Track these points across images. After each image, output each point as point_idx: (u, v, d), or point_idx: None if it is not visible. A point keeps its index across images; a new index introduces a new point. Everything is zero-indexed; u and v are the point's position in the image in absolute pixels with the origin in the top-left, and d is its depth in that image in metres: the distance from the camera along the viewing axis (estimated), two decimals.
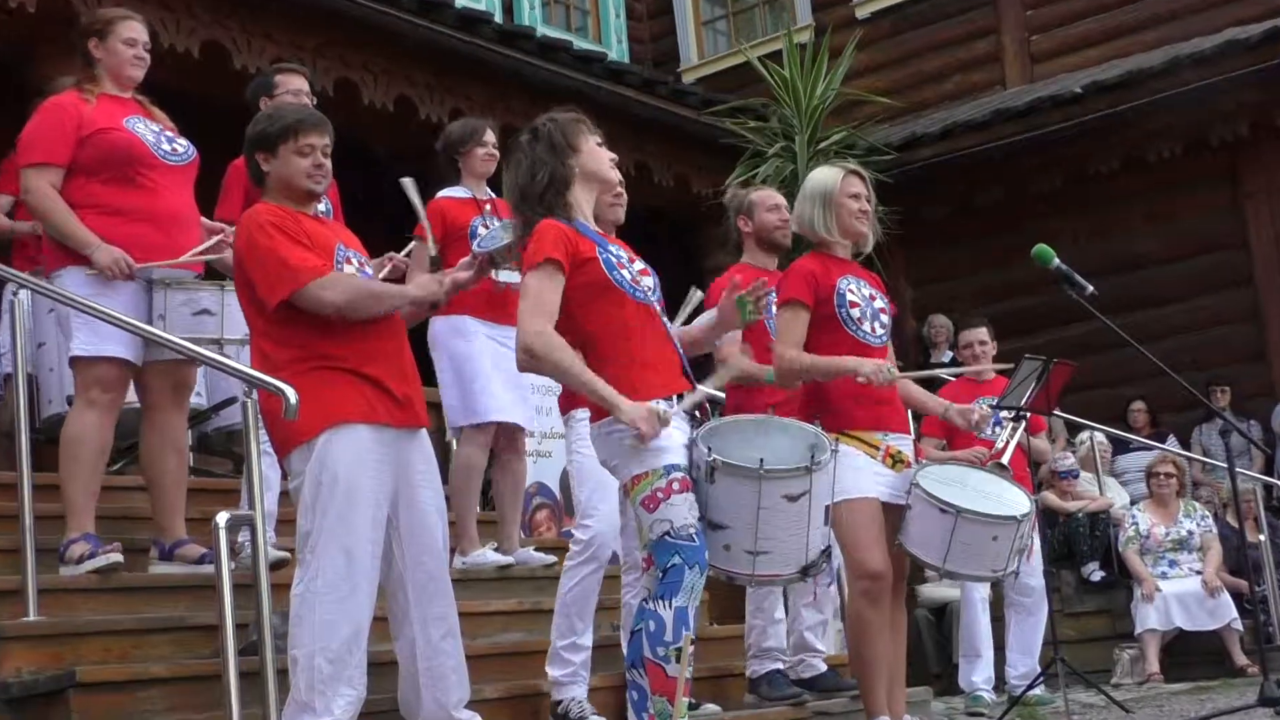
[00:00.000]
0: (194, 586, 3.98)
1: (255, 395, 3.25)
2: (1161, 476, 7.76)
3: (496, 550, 5.02)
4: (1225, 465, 5.96)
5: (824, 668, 4.77)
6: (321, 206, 4.09)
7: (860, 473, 3.72)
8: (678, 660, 2.94)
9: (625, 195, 4.31)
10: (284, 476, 3.51)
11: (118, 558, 3.88)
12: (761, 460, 3.03)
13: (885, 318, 3.96)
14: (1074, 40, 10.43)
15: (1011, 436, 4.81)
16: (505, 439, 5.02)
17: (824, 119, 8.50)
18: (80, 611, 3.76)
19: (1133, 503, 8.23)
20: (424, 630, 3.33)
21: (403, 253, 4.64)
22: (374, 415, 3.24)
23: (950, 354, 9.07)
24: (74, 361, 3.99)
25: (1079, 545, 8.01)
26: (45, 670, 3.47)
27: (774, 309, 4.17)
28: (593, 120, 3.34)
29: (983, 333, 6.17)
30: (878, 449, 3.79)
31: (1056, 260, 4.39)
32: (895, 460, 3.82)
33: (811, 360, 3.78)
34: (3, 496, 4.11)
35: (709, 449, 3.06)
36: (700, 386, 3.26)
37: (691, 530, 3.01)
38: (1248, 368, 9.05)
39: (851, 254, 4.03)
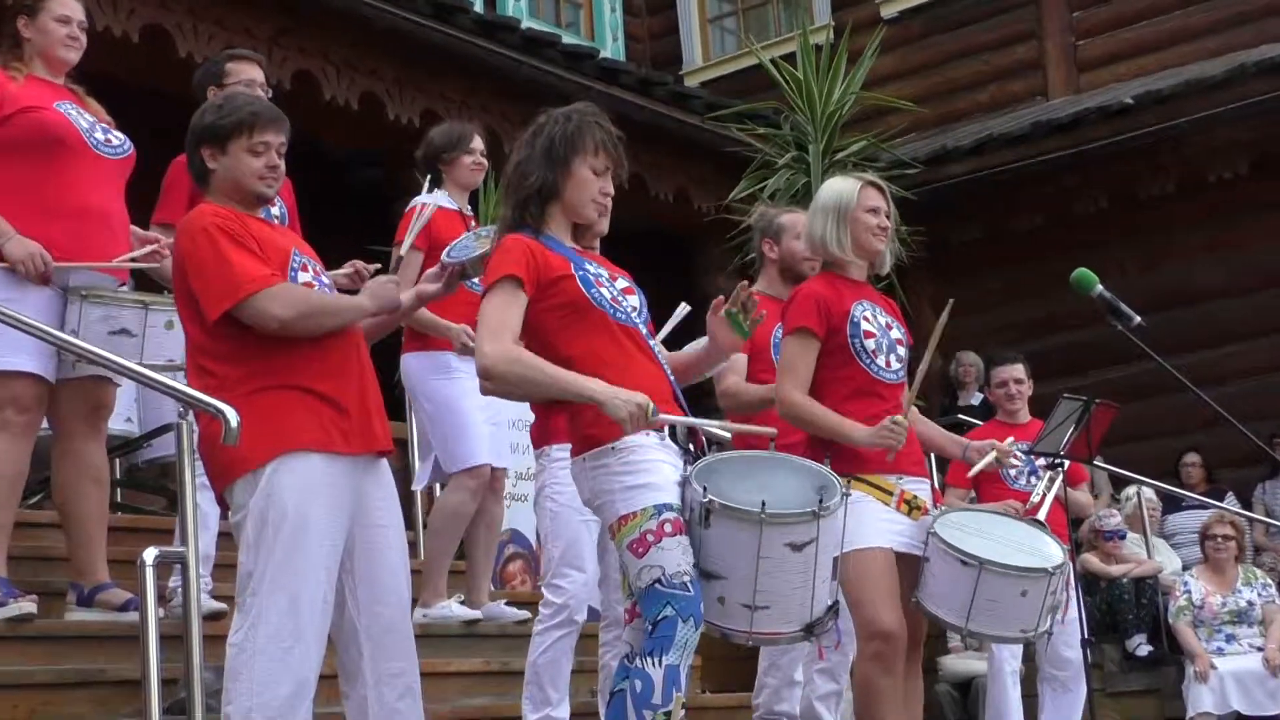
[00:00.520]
0: (116, 636, 3.97)
1: (192, 418, 3.26)
2: (1218, 539, 7.75)
3: (463, 603, 5.04)
4: None
5: None
6: (275, 211, 4.14)
7: (872, 520, 3.74)
8: None
9: (610, 203, 4.37)
10: (224, 514, 3.52)
11: (30, 608, 3.87)
12: (763, 503, 3.05)
13: (903, 350, 4.00)
14: (1125, 46, 10.57)
15: (1048, 488, 4.85)
16: (489, 481, 5.04)
17: (842, 128, 8.57)
18: None
19: (1185, 568, 8.25)
20: (378, 689, 3.32)
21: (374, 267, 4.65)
22: (329, 442, 3.25)
23: (980, 396, 9.10)
24: None
25: (1123, 615, 8.01)
26: None
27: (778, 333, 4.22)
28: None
29: (1019, 370, 6.18)
30: (891, 494, 3.81)
31: (1099, 287, 4.43)
32: (911, 507, 3.84)
33: (810, 413, 3.81)
34: None
35: (704, 488, 3.08)
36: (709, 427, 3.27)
37: (686, 578, 3.03)
38: None
39: (867, 276, 4.07)
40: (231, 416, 3.13)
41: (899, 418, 3.73)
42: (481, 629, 5.04)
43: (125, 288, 4.22)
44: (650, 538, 3.04)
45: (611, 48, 11.40)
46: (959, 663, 7.97)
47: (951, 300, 4.03)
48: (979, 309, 10.10)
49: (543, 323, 3.20)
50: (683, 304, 4.51)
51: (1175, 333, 8.62)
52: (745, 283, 3.42)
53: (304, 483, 3.21)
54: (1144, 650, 7.96)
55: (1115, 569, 8.09)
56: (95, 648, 3.97)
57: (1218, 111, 9.02)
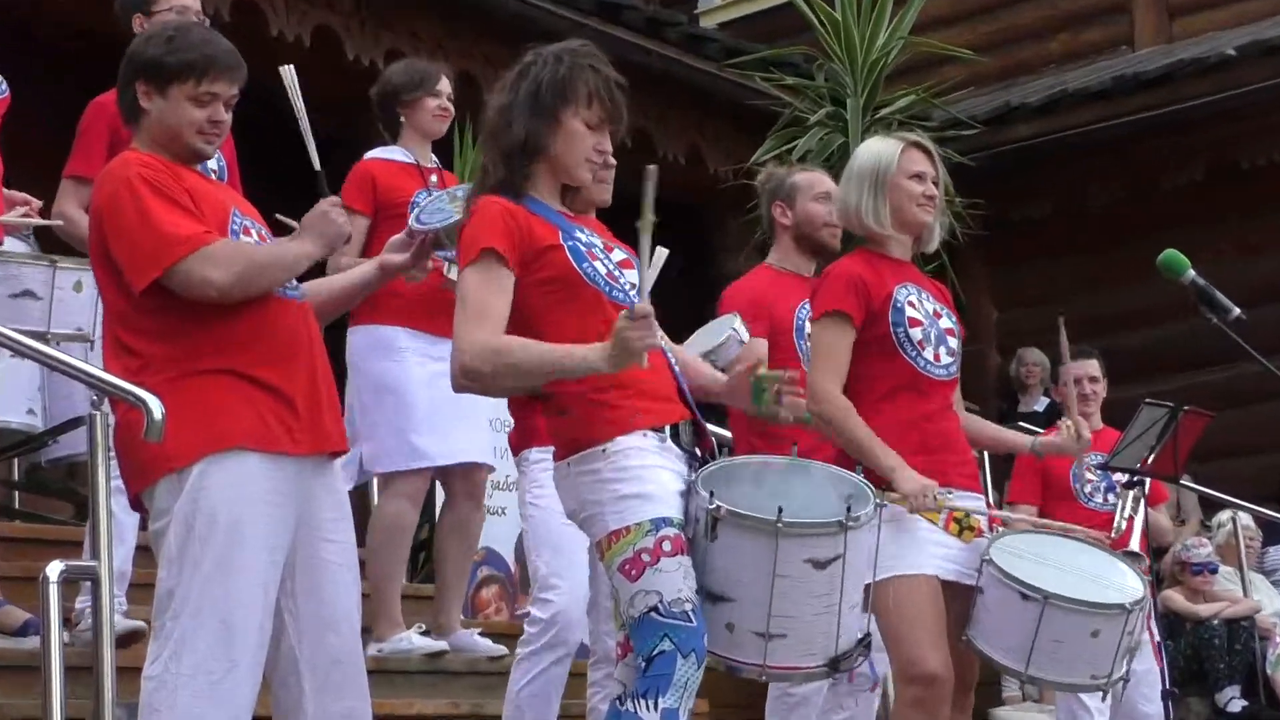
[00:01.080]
0: (12, 666, 3.98)
1: (107, 407, 3.27)
2: None
3: (426, 634, 5.05)
4: None
5: None
6: (213, 165, 4.15)
7: (915, 542, 3.74)
8: None
9: (613, 169, 4.37)
10: (143, 523, 3.52)
11: None
12: (780, 510, 3.06)
13: (953, 341, 4.00)
14: None
15: (1134, 509, 4.84)
16: (461, 482, 5.05)
17: (887, 79, 8.56)
18: None
19: None
20: None
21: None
22: (270, 439, 3.26)
23: (1046, 400, 9.10)
24: None
25: (1213, 663, 7.98)
26: None
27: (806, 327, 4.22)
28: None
29: (1093, 366, 6.17)
30: (939, 511, 3.80)
31: (1192, 272, 4.42)
32: (962, 527, 3.84)
33: (845, 423, 3.80)
34: None
35: (710, 494, 3.08)
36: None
37: (688, 607, 3.03)
38: None
39: (911, 254, 4.07)
40: (155, 406, 3.14)
41: (941, 492, 3.72)
42: (448, 663, 5.05)
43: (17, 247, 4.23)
44: (646, 558, 3.05)
45: None
46: (1016, 716, 7.96)
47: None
48: (1047, 298, 10.08)
49: (525, 302, 3.20)
50: (659, 249, 4.50)
51: None
52: (795, 374, 3.40)
53: (239, 486, 3.21)
54: (1237, 705, 7.92)
55: (1204, 609, 8.07)
56: None
57: None
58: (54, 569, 3.18)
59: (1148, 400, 5.19)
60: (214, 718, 3.15)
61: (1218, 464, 8.09)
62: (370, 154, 5.22)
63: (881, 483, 3.67)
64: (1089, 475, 5.50)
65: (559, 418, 3.20)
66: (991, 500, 7.20)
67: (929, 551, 3.77)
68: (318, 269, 3.72)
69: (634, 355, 3.02)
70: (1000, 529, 3.98)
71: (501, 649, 5.05)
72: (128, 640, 4.16)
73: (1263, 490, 8.68)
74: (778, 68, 8.73)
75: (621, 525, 3.08)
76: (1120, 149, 9.73)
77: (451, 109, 5.20)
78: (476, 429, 5.08)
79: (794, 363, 4.45)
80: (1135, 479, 5.07)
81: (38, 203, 4.43)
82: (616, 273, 3.29)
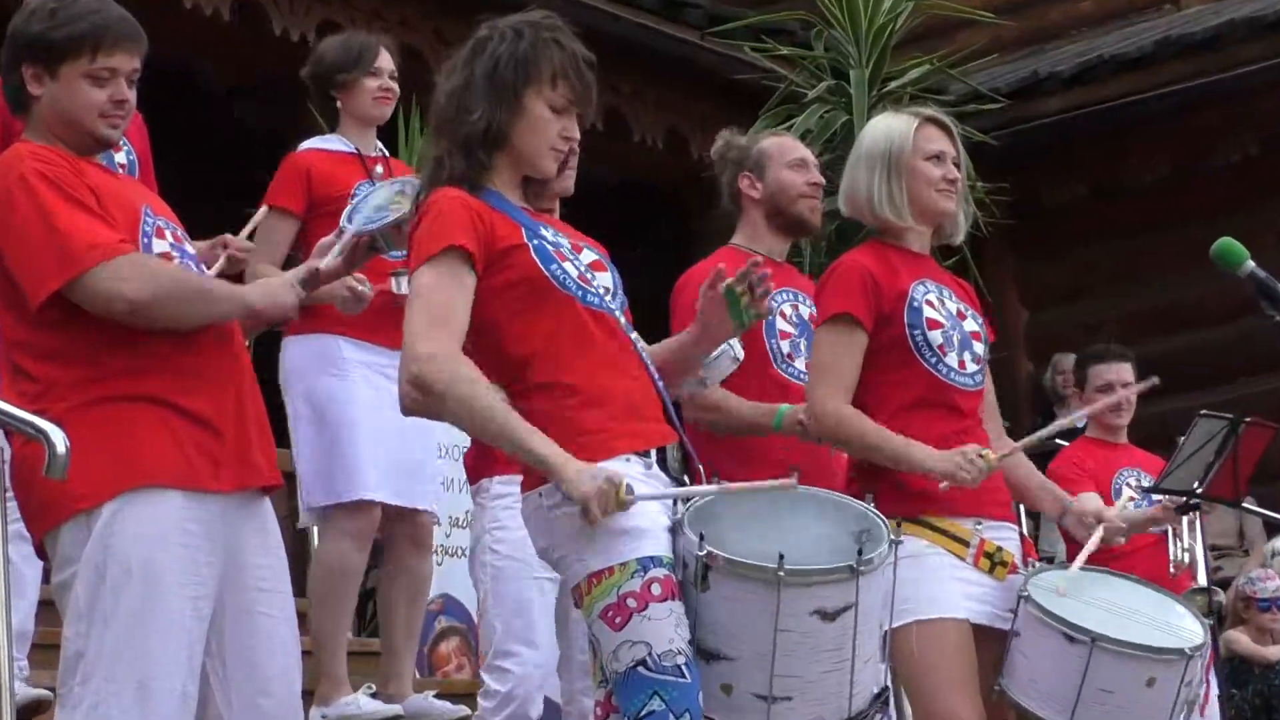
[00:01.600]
0: None
1: (2, 439, 3.26)
2: None
3: (377, 696, 5.04)
4: None
5: None
6: (120, 157, 4.15)
7: (938, 580, 3.77)
8: None
9: (577, 155, 4.38)
10: (46, 574, 3.52)
11: None
12: (780, 556, 3.05)
13: (980, 346, 4.02)
14: None
15: (1193, 537, 4.87)
16: (401, 527, 5.06)
17: (896, 48, 8.58)
18: None
19: None
20: None
21: (243, 232, 4.68)
22: (191, 475, 3.27)
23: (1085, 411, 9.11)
24: None
25: None
26: None
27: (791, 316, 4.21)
28: None
29: (1127, 370, 6.18)
30: (967, 544, 3.83)
31: (1251, 263, 4.43)
32: (994, 562, 3.86)
33: (859, 429, 3.83)
34: None
35: (699, 537, 3.08)
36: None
37: (680, 660, 3.05)
38: None
39: (930, 247, 4.09)
40: (57, 439, 3.13)
41: (985, 451, 3.73)
42: None
43: None
44: (632, 603, 3.06)
45: None
46: None
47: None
48: (1081, 293, 10.16)
49: (487, 310, 3.22)
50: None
51: None
52: (759, 259, 3.42)
53: (156, 528, 3.21)
54: None
55: (1273, 651, 8.07)
56: None
57: None
58: None
59: (1203, 412, 5.23)
60: None
61: None
62: (305, 145, 5.22)
63: (901, 510, 3.69)
64: (1130, 493, 5.50)
65: None
66: (1027, 531, 7.25)
67: (955, 590, 3.79)
68: (234, 277, 3.73)
69: (585, 509, 3.02)
70: (1037, 564, 3.99)
71: (462, 710, 5.04)
72: (31, 711, 4.15)
73: None
74: (770, 36, 8.74)
75: (604, 565, 3.09)
76: (1164, 122, 9.81)
77: (395, 89, 5.20)
78: (428, 463, 5.08)
79: (766, 366, 4.43)
80: (1190, 503, 5.10)
81: None
82: (589, 275, 3.30)
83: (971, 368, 3.97)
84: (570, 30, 3.38)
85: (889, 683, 3.35)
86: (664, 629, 3.05)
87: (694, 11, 9.46)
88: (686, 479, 3.28)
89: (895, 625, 3.36)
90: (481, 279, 3.20)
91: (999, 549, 3.87)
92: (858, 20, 8.37)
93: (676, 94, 9.42)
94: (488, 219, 3.22)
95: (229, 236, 4.50)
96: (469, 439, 4.44)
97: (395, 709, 5.03)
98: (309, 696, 4.73)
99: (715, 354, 4.01)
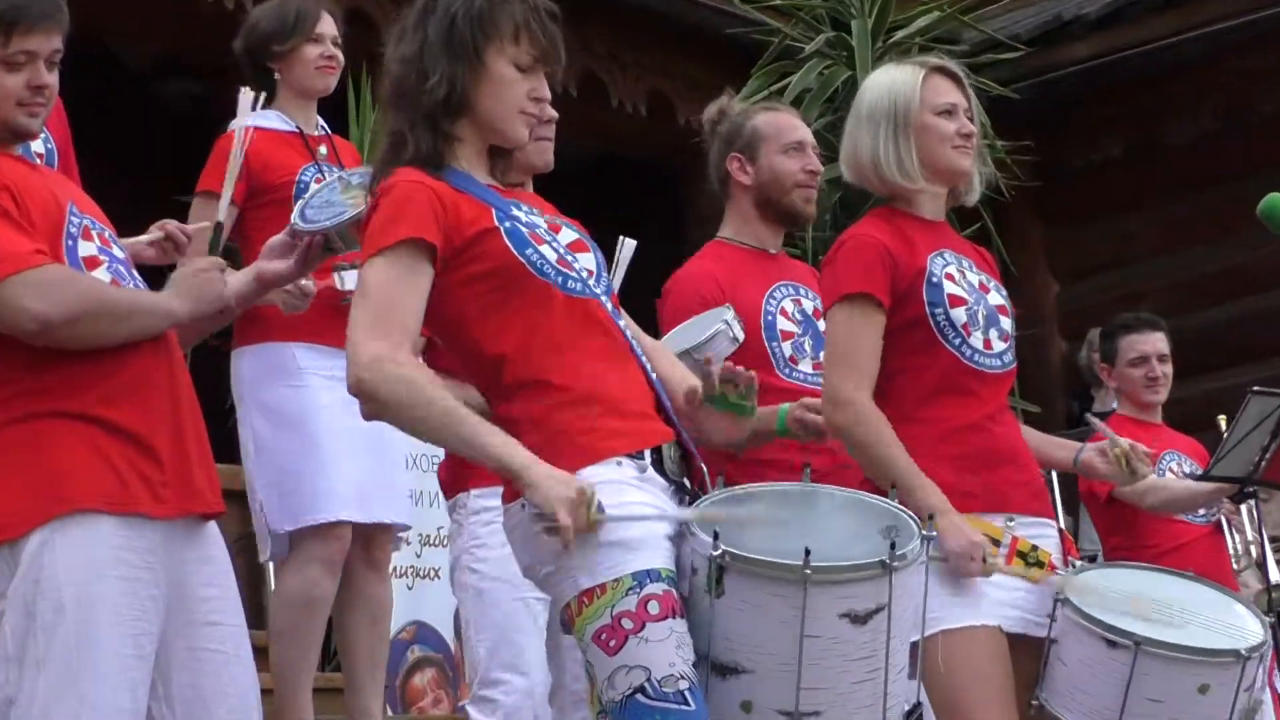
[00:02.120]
0: None
1: None
2: None
3: None
4: None
5: None
6: (36, 145, 4.15)
7: (969, 586, 3.78)
8: None
9: (554, 124, 4.39)
10: None
11: None
12: (806, 551, 3.06)
13: (1006, 322, 4.03)
14: None
15: (1257, 525, 4.89)
16: (356, 546, 5.07)
17: None
18: None
19: None
20: None
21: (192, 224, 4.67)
22: (127, 499, 3.28)
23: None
24: None
25: None
26: None
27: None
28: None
29: (1161, 341, 6.21)
30: (998, 544, 3.84)
31: None
32: (1029, 563, 3.87)
33: (879, 432, 3.83)
34: None
35: (714, 537, 3.08)
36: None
37: (683, 685, 3.05)
38: None
39: (944, 211, 4.11)
40: None
41: (997, 561, 3.75)
42: None
43: None
44: (628, 624, 3.07)
45: None
46: None
47: None
48: (1121, 262, 10.16)
49: (456, 306, 3.23)
50: (623, 239, 4.50)
51: None
52: (752, 374, 3.37)
53: (90, 560, 3.22)
54: None
55: None
56: None
57: None
58: None
59: (1256, 389, 5.24)
60: None
61: None
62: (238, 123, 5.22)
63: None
64: (1173, 478, 5.51)
65: None
66: (1067, 527, 7.26)
67: (988, 597, 3.81)
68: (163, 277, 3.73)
69: (554, 520, 3.02)
70: (1078, 563, 4.00)
71: None
72: None
73: None
74: None
75: (595, 582, 3.10)
76: (1207, 68, 9.80)
77: (340, 58, 5.20)
78: (395, 475, 5.11)
79: (765, 373, 4.42)
80: (1247, 490, 5.11)
81: None
82: (569, 258, 3.31)
83: (999, 346, 3.99)
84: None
85: (921, 698, 3.36)
86: (664, 652, 3.06)
87: None
88: (686, 481, 3.28)
89: (924, 636, 3.37)
90: (447, 272, 3.21)
91: (1034, 548, 3.89)
92: None
93: (659, 53, 9.41)
94: (451, 203, 3.22)
95: (170, 223, 4.46)
96: (441, 451, 4.46)
97: None
98: None
99: (710, 334, 4.01)
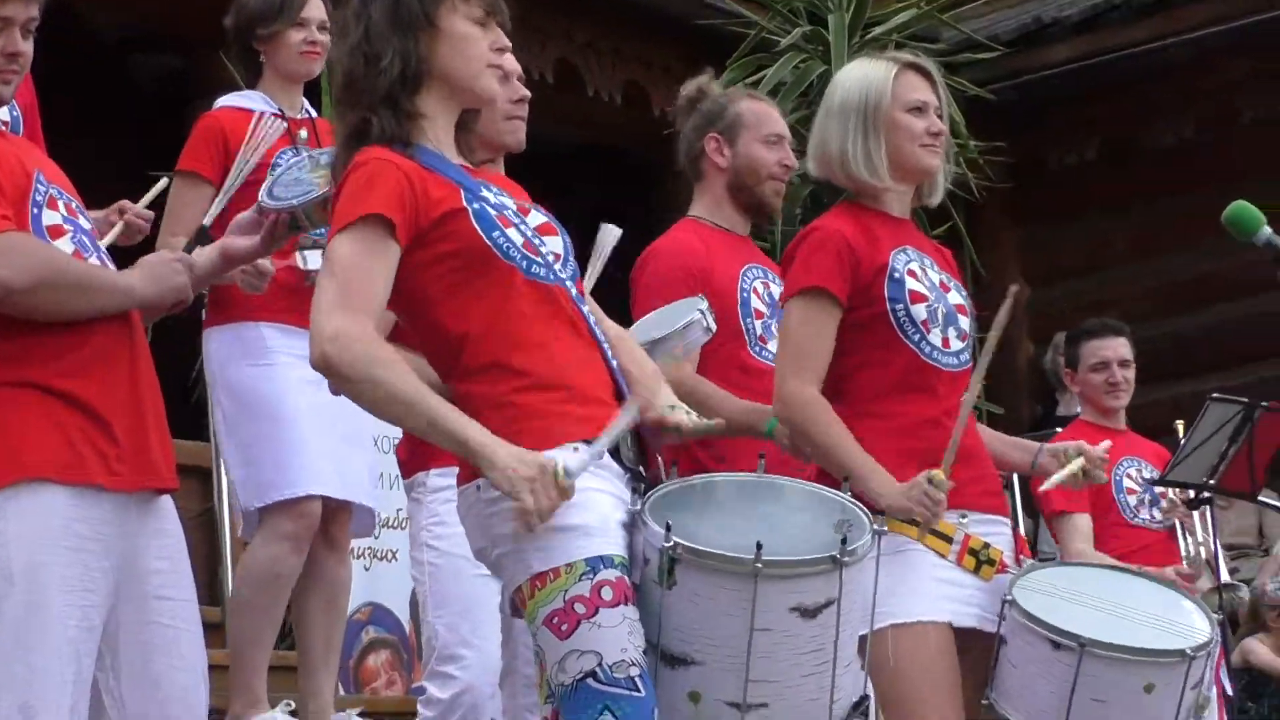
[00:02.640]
0: None
1: None
2: None
3: (294, 715, 5.06)
4: None
5: None
6: (3, 114, 4.14)
7: (919, 581, 3.80)
8: None
9: (526, 102, 4.39)
10: None
11: None
12: (759, 545, 3.07)
13: (965, 321, 4.05)
14: None
15: (1206, 532, 4.91)
16: (319, 528, 5.07)
17: None
18: None
19: None
20: None
21: (143, 200, 4.67)
22: (80, 469, 3.28)
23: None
24: None
25: None
26: None
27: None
28: None
29: (1123, 346, 6.22)
30: (950, 541, 3.86)
31: (1268, 229, 4.46)
32: (981, 560, 3.89)
33: (825, 433, 3.86)
34: None
35: (666, 528, 3.09)
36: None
37: (634, 671, 3.07)
38: None
39: (909, 209, 4.13)
40: None
41: (937, 475, 3.75)
42: None
43: None
44: (580, 608, 3.08)
45: None
46: None
47: (1015, 288, 4.05)
48: (1095, 266, 10.18)
49: (420, 285, 3.23)
50: (605, 225, 4.48)
51: None
52: (720, 423, 3.41)
53: (40, 529, 3.23)
54: None
55: None
56: None
57: None
58: None
59: (1215, 395, 5.27)
60: None
61: None
62: (221, 101, 5.24)
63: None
64: (1131, 484, 5.53)
65: None
66: (1022, 526, 7.27)
67: (938, 592, 3.82)
68: (132, 255, 3.73)
69: (517, 501, 3.04)
70: (1029, 561, 4.02)
71: None
72: None
73: None
74: None
75: (548, 566, 3.10)
76: (1188, 75, 9.81)
77: (325, 42, 5.19)
78: (363, 454, 5.11)
79: (739, 348, 4.47)
80: (1202, 496, 5.14)
81: None
82: (536, 241, 3.30)
83: (956, 345, 4.01)
84: None
85: (869, 690, 3.36)
86: (616, 637, 3.07)
87: None
88: (642, 469, 3.29)
89: (873, 629, 3.38)
90: (413, 250, 3.21)
91: (986, 545, 3.90)
92: None
93: (636, 44, 9.41)
94: (420, 182, 3.22)
95: (126, 203, 4.49)
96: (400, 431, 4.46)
97: None
98: (219, 716, 4.74)
99: (684, 323, 4.01)
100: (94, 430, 3.30)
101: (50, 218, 3.39)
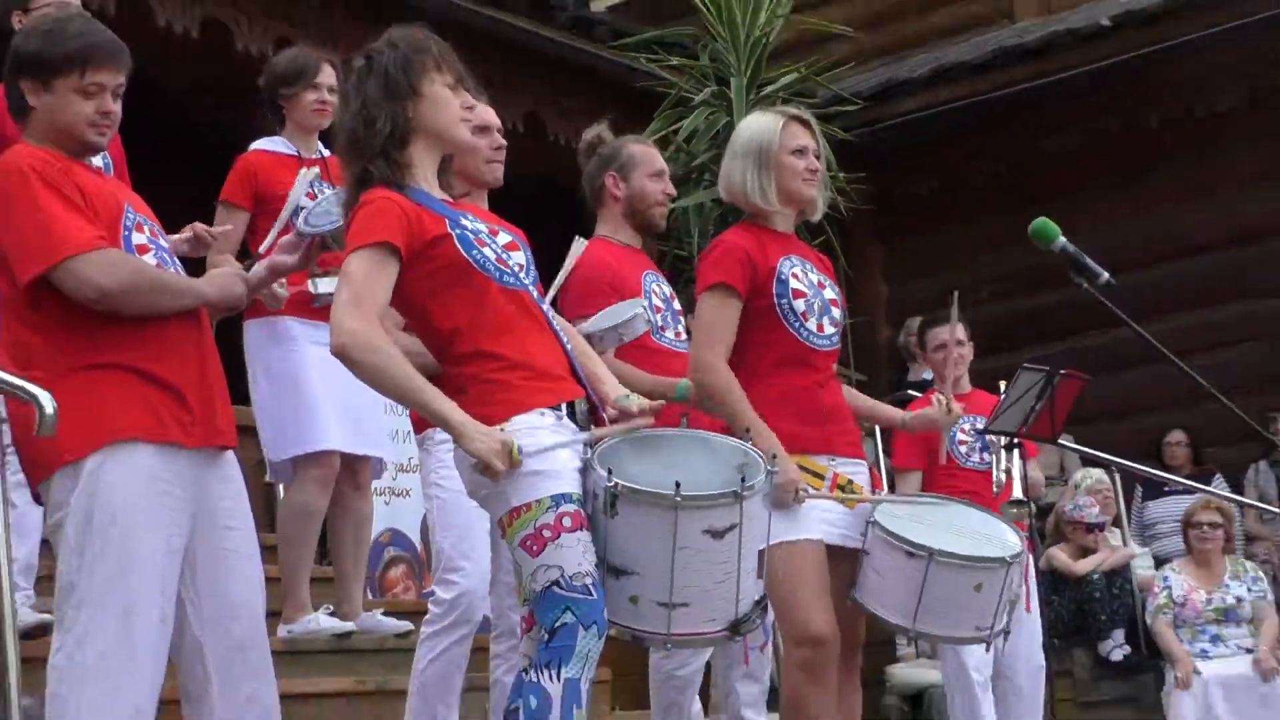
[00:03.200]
0: None
1: (1, 402, 3.26)
2: (1204, 527, 7.88)
3: (333, 615, 5.09)
4: None
5: None
6: (97, 160, 4.13)
7: (798, 509, 3.82)
8: None
9: (504, 148, 4.40)
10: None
11: None
12: (677, 484, 3.12)
13: (837, 312, 4.09)
14: None
15: (1010, 463, 4.99)
16: (344, 472, 5.09)
17: (770, 57, 8.60)
18: None
19: (1163, 562, 8.38)
20: (230, 718, 3.36)
21: (215, 227, 4.66)
22: (162, 431, 3.29)
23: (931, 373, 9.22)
24: None
25: (1095, 615, 8.13)
26: None
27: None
28: (461, 51, 3.41)
29: (957, 330, 6.26)
30: (822, 478, 3.91)
31: (1062, 239, 4.52)
32: (846, 492, 3.94)
33: (729, 384, 3.88)
34: None
35: (608, 472, 3.14)
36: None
37: (588, 580, 3.10)
38: None
39: (794, 225, 4.15)
40: (46, 401, 3.14)
41: (804, 486, 3.82)
42: (356, 643, 5.10)
43: None
44: (547, 533, 3.11)
45: None
46: (910, 672, 8.08)
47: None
48: (936, 267, 10.22)
49: (419, 290, 3.25)
50: (578, 239, 4.50)
51: (1162, 292, 8.75)
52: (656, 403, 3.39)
53: (134, 478, 3.24)
54: (1119, 654, 8.09)
55: (1081, 565, 8.15)
56: None
57: (1212, 32, 9.02)
58: None
59: (1025, 365, 5.32)
60: (118, 704, 3.18)
61: (1101, 425, 8.26)
62: (254, 145, 5.22)
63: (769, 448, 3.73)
64: (964, 436, 5.61)
65: (456, 396, 3.22)
66: (883, 468, 7.33)
67: (813, 517, 3.86)
68: (199, 266, 3.74)
69: (484, 466, 3.09)
70: (883, 493, 4.07)
71: (406, 625, 5.09)
72: (37, 632, 4.15)
73: (1141, 448, 8.81)
74: (663, 49, 8.76)
75: (522, 502, 3.13)
76: (1003, 120, 9.81)
77: (333, 102, 5.18)
78: (365, 421, 5.09)
79: (644, 335, 4.49)
80: (1014, 441, 5.21)
81: None
82: (505, 256, 3.33)
83: (829, 330, 4.04)
84: (427, 29, 3.40)
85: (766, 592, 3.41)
86: (574, 555, 3.11)
87: (600, 28, 9.46)
88: (592, 427, 3.31)
89: (766, 545, 3.41)
90: (410, 266, 3.23)
91: (850, 481, 3.96)
92: (737, 34, 8.39)
93: (584, 99, 9.40)
94: (414, 214, 3.23)
95: (198, 224, 4.49)
96: None
97: (349, 625, 5.08)
98: (276, 617, 4.77)
99: (629, 316, 4.04)
100: (172, 401, 3.31)
101: (138, 239, 3.39)
